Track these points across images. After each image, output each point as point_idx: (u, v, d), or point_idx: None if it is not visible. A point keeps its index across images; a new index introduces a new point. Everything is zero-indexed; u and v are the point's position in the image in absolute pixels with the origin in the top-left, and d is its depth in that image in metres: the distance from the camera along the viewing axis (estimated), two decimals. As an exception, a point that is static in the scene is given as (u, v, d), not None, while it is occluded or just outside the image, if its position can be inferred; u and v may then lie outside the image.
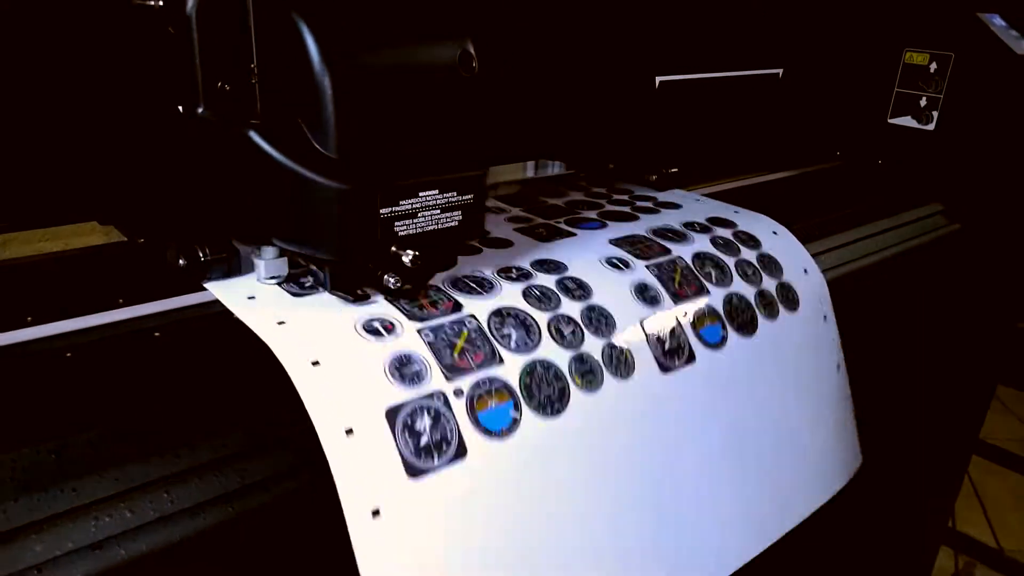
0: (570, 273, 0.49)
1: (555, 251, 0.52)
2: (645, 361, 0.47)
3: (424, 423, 0.37)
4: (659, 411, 0.47)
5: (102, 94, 0.44)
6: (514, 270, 0.48)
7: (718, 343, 0.52)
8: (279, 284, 0.44)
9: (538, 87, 0.59)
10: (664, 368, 0.48)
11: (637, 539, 0.45)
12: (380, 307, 0.41)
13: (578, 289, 0.48)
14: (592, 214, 0.61)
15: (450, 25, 0.43)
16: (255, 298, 0.42)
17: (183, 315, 0.43)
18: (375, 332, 0.39)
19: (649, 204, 0.65)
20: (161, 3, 0.40)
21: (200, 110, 0.40)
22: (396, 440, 0.35)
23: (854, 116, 0.84)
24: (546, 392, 0.42)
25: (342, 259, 0.41)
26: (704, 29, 0.71)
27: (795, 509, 0.56)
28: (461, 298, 0.43)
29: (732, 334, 0.53)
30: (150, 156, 0.44)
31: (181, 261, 0.44)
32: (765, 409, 0.54)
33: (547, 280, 0.48)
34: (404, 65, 0.40)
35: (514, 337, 0.42)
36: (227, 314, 0.41)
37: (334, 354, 0.37)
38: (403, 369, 0.37)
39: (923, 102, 0.79)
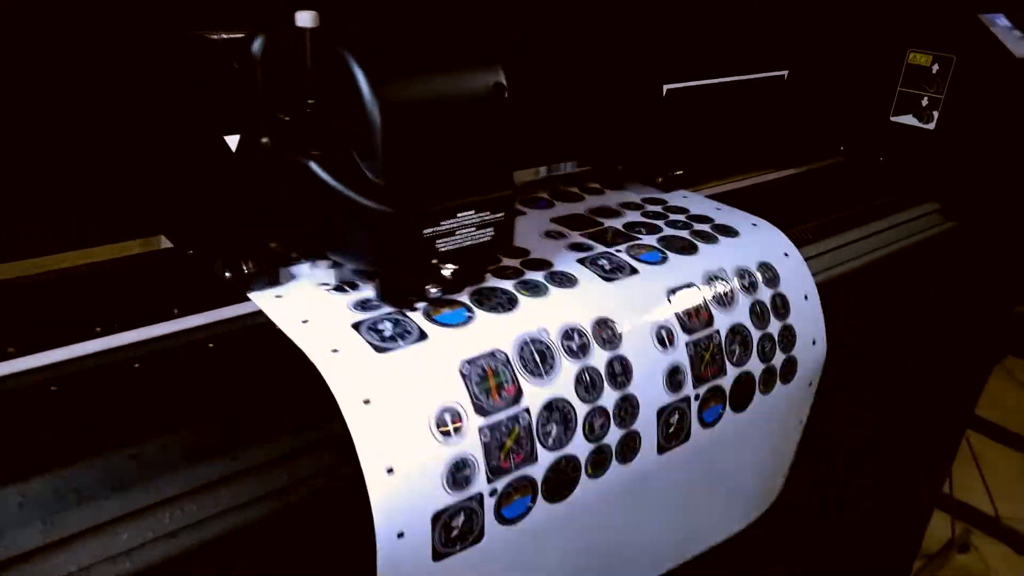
0: (621, 352, 0.49)
1: (614, 299, 0.51)
2: (649, 446, 0.51)
3: (459, 520, 0.41)
4: (642, 485, 0.53)
5: (174, 120, 0.46)
6: (576, 335, 0.48)
7: (713, 421, 0.56)
8: (360, 329, 0.44)
9: (557, 99, 0.61)
10: (661, 450, 0.52)
11: (598, 566, 0.54)
12: (450, 389, 0.42)
13: (622, 375, 0.49)
14: (652, 240, 0.59)
15: (484, 57, 0.45)
16: (308, 322, 0.43)
17: (231, 326, 0.45)
18: (444, 431, 0.41)
19: (707, 228, 0.63)
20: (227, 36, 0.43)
21: (263, 140, 0.44)
22: (433, 539, 0.41)
23: (858, 113, 0.86)
24: (561, 483, 0.47)
25: (390, 273, 0.45)
26: (711, 36, 0.71)
27: (711, 539, 0.64)
28: (524, 382, 0.45)
29: (728, 412, 0.57)
30: (213, 177, 0.47)
31: (227, 273, 0.46)
32: (724, 466, 0.60)
33: (600, 361, 0.48)
34: (443, 97, 0.43)
35: (553, 435, 0.46)
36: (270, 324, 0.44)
37: (403, 457, 0.39)
38: (457, 475, 0.41)
39: (924, 102, 0.81)
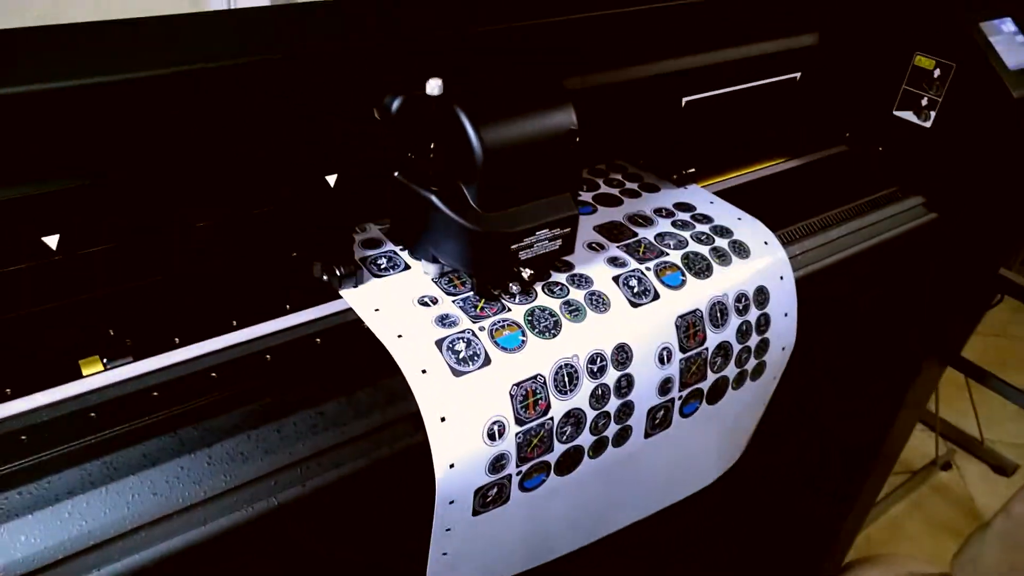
0: (629, 371, 0.61)
1: (634, 326, 0.62)
2: (638, 433, 0.64)
3: (492, 492, 0.56)
4: (632, 460, 0.67)
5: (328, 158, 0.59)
6: (598, 359, 0.60)
7: (691, 413, 0.68)
8: (442, 349, 0.56)
9: (597, 113, 0.68)
10: (647, 435, 0.66)
11: (594, 511, 0.69)
12: (500, 407, 0.55)
13: (626, 387, 0.61)
14: (677, 257, 0.68)
15: (563, 102, 0.59)
16: (380, 310, 0.57)
17: (331, 322, 0.59)
18: (491, 437, 0.54)
19: (726, 245, 0.71)
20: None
21: (395, 174, 0.59)
22: (473, 503, 0.55)
23: (864, 106, 0.95)
24: (569, 463, 0.60)
25: (483, 275, 0.60)
26: (727, 48, 0.79)
27: (685, 491, 0.79)
28: (553, 399, 0.57)
29: (704, 406, 0.69)
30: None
31: (324, 277, 0.60)
32: (698, 442, 0.73)
33: (612, 379, 0.60)
34: (529, 140, 0.57)
35: (567, 434, 0.59)
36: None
37: (461, 457, 0.53)
38: (495, 465, 0.55)
39: (924, 101, 0.90)
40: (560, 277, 0.64)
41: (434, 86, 0.54)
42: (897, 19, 0.91)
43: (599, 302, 0.63)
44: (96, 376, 0.52)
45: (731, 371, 0.70)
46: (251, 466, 0.49)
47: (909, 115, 0.93)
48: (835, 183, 0.92)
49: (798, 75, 0.88)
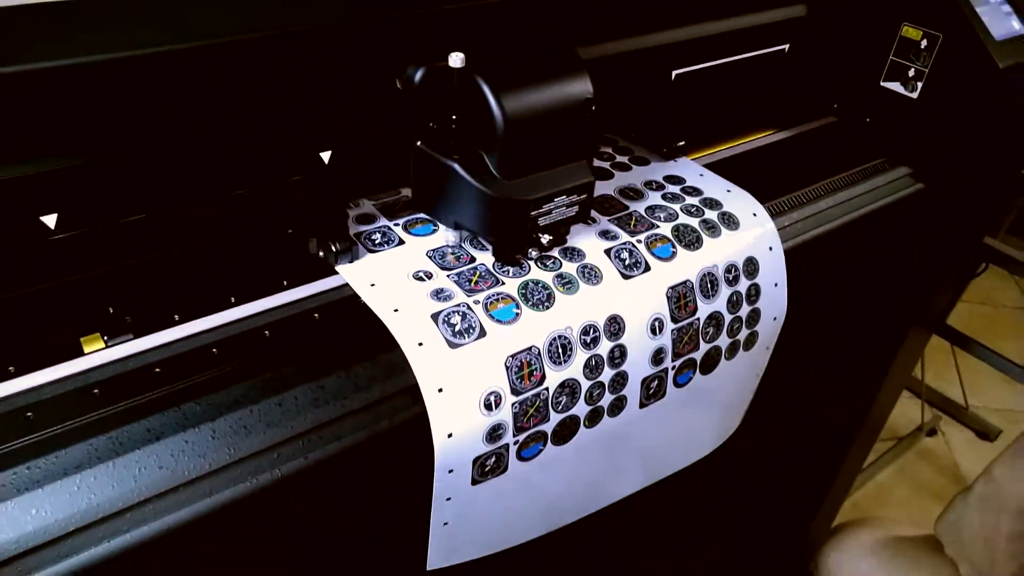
0: (622, 341, 0.62)
1: (626, 298, 0.63)
2: (633, 403, 0.65)
3: (491, 461, 0.57)
4: (627, 430, 0.68)
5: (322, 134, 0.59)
6: (591, 330, 0.61)
7: (685, 383, 0.70)
8: (438, 322, 0.58)
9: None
10: (642, 406, 0.67)
11: (592, 480, 0.70)
12: (496, 379, 0.56)
13: (619, 358, 0.63)
14: (667, 229, 0.69)
15: (580, 72, 0.60)
16: (375, 285, 0.58)
17: (329, 297, 0.59)
18: (488, 407, 0.56)
19: (715, 217, 0.72)
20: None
21: (417, 143, 0.61)
22: (472, 472, 0.57)
23: (852, 77, 0.96)
24: (565, 433, 0.61)
25: (503, 241, 0.62)
26: (716, 21, 0.80)
27: (683, 461, 0.80)
28: (548, 370, 0.58)
29: (697, 375, 0.71)
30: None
31: (320, 253, 0.60)
32: (692, 412, 0.75)
33: (605, 349, 0.61)
34: (548, 110, 0.58)
35: (563, 403, 0.60)
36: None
37: (459, 427, 0.54)
38: (492, 434, 0.56)
39: (911, 72, 0.91)
40: (553, 251, 0.65)
41: (457, 58, 0.55)
42: (887, -10, 0.91)
43: (591, 275, 0.64)
44: (98, 353, 0.53)
45: (723, 341, 0.72)
46: (254, 439, 0.51)
47: (896, 86, 0.94)
48: (823, 154, 0.93)
49: (786, 47, 0.89)
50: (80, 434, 0.48)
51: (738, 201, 0.76)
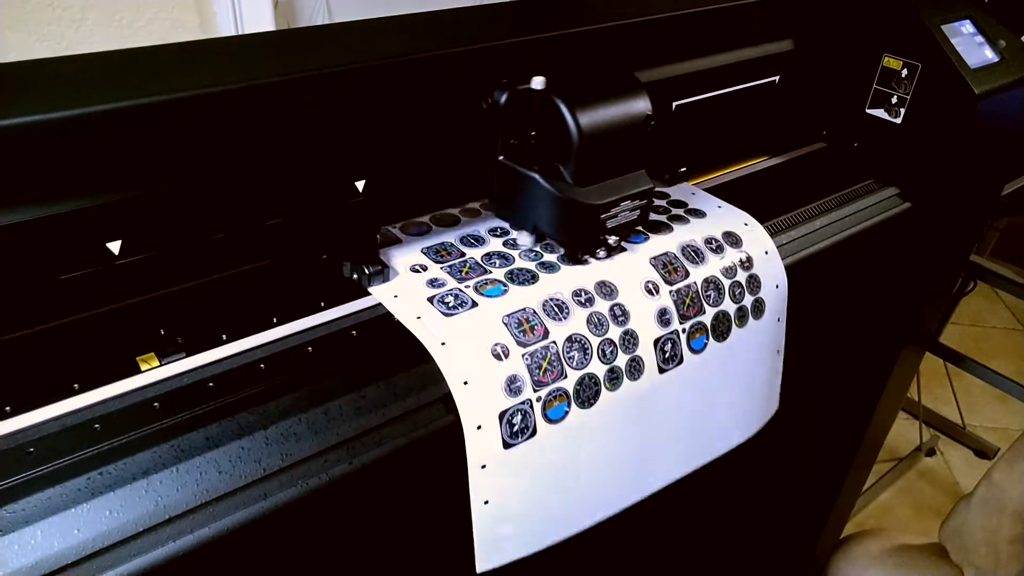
0: (619, 300, 0.69)
1: (614, 269, 0.70)
2: (651, 367, 0.70)
3: (517, 419, 0.62)
4: (652, 397, 0.72)
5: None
6: (583, 293, 0.67)
7: (700, 349, 0.75)
8: (432, 302, 0.63)
9: None
10: (661, 371, 0.72)
11: (629, 459, 0.73)
12: (498, 333, 0.62)
13: (622, 316, 0.69)
14: (642, 227, 0.76)
15: (639, 100, 0.69)
16: (421, 317, 0.62)
17: (364, 316, 0.64)
18: (497, 357, 0.61)
19: (681, 212, 0.81)
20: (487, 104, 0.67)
21: (500, 157, 0.69)
22: (501, 432, 0.62)
23: (839, 104, 1.02)
24: (588, 394, 0.67)
25: (576, 241, 0.69)
26: (712, 55, 0.87)
27: (723, 444, 0.84)
28: (548, 324, 0.64)
29: (712, 342, 0.76)
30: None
31: (354, 276, 0.65)
32: (718, 384, 0.79)
33: (604, 307, 0.68)
34: (615, 126, 0.67)
35: (576, 359, 0.66)
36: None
37: (473, 374, 0.59)
38: (511, 386, 0.62)
39: (894, 99, 0.97)
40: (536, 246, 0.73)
41: (538, 82, 0.63)
42: (865, 23, 0.98)
43: (572, 260, 0.71)
44: (153, 371, 0.57)
45: (729, 306, 0.76)
46: (304, 445, 0.54)
47: (881, 112, 1.00)
48: (814, 178, 0.99)
49: (777, 78, 0.95)
50: (145, 442, 0.51)
51: (729, 214, 0.81)
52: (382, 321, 0.64)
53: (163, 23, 1.28)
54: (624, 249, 0.73)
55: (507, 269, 0.69)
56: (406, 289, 0.65)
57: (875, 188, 0.98)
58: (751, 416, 0.87)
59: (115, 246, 0.54)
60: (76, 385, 0.54)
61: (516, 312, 0.64)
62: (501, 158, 0.68)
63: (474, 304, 0.63)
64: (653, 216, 0.80)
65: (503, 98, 0.65)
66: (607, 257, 0.70)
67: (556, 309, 0.65)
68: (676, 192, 0.87)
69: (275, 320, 0.62)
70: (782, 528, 1.40)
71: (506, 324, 0.62)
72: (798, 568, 1.48)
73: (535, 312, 0.64)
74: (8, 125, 0.46)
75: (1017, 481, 1.00)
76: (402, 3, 0.91)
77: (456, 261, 0.69)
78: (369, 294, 0.66)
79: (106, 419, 0.52)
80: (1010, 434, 2.24)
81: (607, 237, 0.70)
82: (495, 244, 0.73)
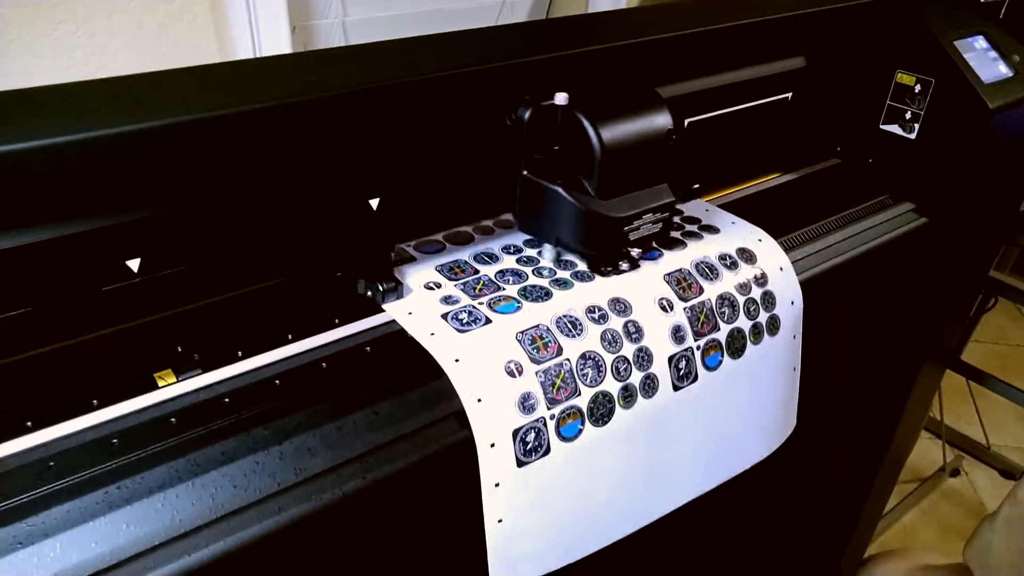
0: (633, 317, 0.69)
1: (628, 286, 0.70)
2: (665, 384, 0.70)
3: (531, 437, 0.62)
4: (667, 415, 0.71)
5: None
6: (596, 309, 0.67)
7: (715, 366, 0.74)
8: (446, 319, 0.64)
9: None
10: (676, 388, 0.71)
11: (644, 479, 0.73)
12: (511, 350, 0.62)
13: (636, 333, 0.69)
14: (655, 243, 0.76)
15: (660, 115, 0.70)
16: (435, 334, 0.62)
17: (378, 332, 0.65)
18: (511, 374, 0.61)
19: (695, 228, 0.81)
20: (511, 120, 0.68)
21: (524, 172, 0.69)
22: (514, 449, 0.61)
23: (853, 121, 1.03)
24: (602, 411, 0.67)
25: (599, 253, 0.70)
26: (724, 73, 0.87)
27: (740, 464, 0.83)
28: (562, 341, 0.64)
29: (727, 359, 0.75)
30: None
31: (368, 293, 0.66)
32: (734, 402, 0.78)
33: (617, 324, 0.68)
34: (637, 140, 0.68)
35: (590, 376, 0.66)
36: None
37: (486, 391, 0.59)
38: (525, 403, 0.62)
39: (908, 115, 0.97)
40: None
41: (561, 98, 0.65)
42: (878, 40, 0.98)
43: (585, 277, 0.71)
44: (170, 387, 0.57)
45: (744, 323, 0.76)
46: (318, 460, 0.55)
47: (895, 128, 1.00)
48: (829, 193, 0.99)
49: (789, 95, 0.95)
50: (161, 457, 0.52)
51: (742, 230, 0.81)
52: (396, 337, 0.64)
53: (184, 48, 1.31)
54: (640, 265, 0.73)
55: (521, 286, 0.69)
56: (420, 306, 0.65)
57: (890, 203, 0.98)
58: (767, 434, 0.86)
59: (134, 264, 0.55)
60: (95, 401, 0.55)
61: (530, 329, 0.64)
62: (525, 173, 0.68)
63: (488, 321, 0.64)
64: (673, 233, 0.80)
65: (527, 114, 0.66)
66: (630, 269, 0.71)
67: (570, 326, 0.65)
68: (690, 208, 0.87)
69: (290, 337, 0.63)
70: (804, 549, 1.38)
71: (520, 341, 0.62)
72: (820, 591, 1.46)
73: (549, 329, 0.64)
74: (37, 147, 0.47)
75: (1042, 500, 0.98)
76: (419, 28, 0.93)
77: (470, 278, 0.69)
78: (383, 311, 0.66)
79: (124, 434, 0.53)
80: (1037, 454, 2.20)
81: (630, 249, 0.70)
82: (509, 261, 0.74)
